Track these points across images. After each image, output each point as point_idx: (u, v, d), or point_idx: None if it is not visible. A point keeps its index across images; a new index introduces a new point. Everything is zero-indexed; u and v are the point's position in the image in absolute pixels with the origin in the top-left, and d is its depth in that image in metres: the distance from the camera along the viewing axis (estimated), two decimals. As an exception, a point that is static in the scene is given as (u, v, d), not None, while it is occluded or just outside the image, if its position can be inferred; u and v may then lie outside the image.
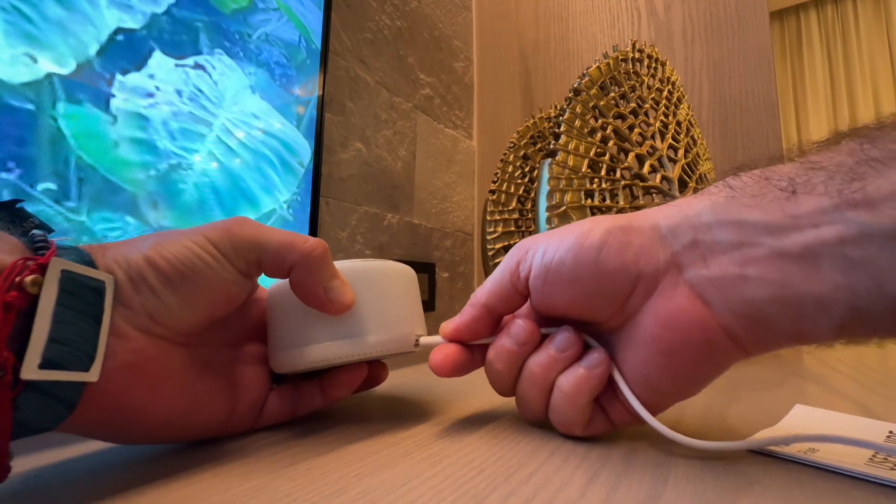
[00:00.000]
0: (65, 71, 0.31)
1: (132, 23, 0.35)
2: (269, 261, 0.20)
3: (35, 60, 0.29)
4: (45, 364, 0.14)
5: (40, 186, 0.29)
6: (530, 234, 0.64)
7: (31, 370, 0.14)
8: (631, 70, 0.50)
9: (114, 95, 0.33)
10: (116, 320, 0.17)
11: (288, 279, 0.21)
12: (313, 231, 0.51)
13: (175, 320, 0.18)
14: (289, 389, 0.24)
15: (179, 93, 0.37)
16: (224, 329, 0.22)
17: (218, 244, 0.19)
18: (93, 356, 0.15)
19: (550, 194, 0.43)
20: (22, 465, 0.19)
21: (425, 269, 0.81)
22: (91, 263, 0.17)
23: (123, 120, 0.34)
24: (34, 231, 0.16)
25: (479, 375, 0.37)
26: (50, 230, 0.21)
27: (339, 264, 0.22)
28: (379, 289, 0.23)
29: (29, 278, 0.14)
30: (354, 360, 0.23)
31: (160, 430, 0.19)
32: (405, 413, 0.26)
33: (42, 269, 0.15)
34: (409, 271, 0.25)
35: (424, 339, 0.24)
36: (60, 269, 0.15)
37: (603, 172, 0.45)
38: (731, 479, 0.17)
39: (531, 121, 0.68)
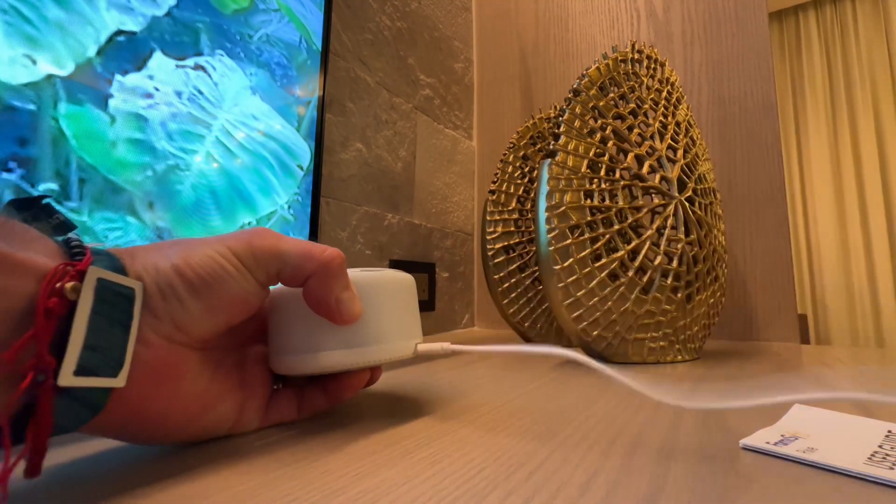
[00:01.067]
0: (63, 73, 0.31)
1: (133, 25, 0.35)
2: (288, 272, 0.21)
3: (34, 62, 0.29)
4: (79, 371, 0.14)
5: (42, 187, 0.29)
6: (530, 234, 0.64)
7: (67, 377, 0.14)
8: (630, 71, 0.50)
9: (112, 96, 0.33)
10: (143, 328, 0.17)
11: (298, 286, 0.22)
12: (314, 231, 0.51)
13: (197, 328, 0.18)
14: (293, 390, 0.25)
15: (179, 94, 0.37)
16: (233, 333, 0.22)
17: (241, 255, 0.19)
18: (121, 363, 0.16)
19: (550, 194, 0.44)
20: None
21: (425, 269, 0.81)
22: (122, 269, 0.17)
23: (122, 120, 0.34)
24: (70, 235, 0.17)
25: (479, 375, 0.37)
26: (73, 226, 0.21)
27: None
28: (385, 299, 0.23)
29: (69, 285, 0.15)
30: (359, 367, 0.23)
31: (174, 432, 0.20)
32: (405, 412, 0.26)
33: (80, 276, 0.15)
34: (409, 280, 0.26)
35: (422, 347, 0.25)
36: (97, 277, 0.15)
37: (602, 173, 0.45)
38: (731, 478, 0.17)
39: (531, 121, 0.68)
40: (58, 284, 0.14)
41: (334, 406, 0.26)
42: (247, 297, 0.20)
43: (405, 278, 0.25)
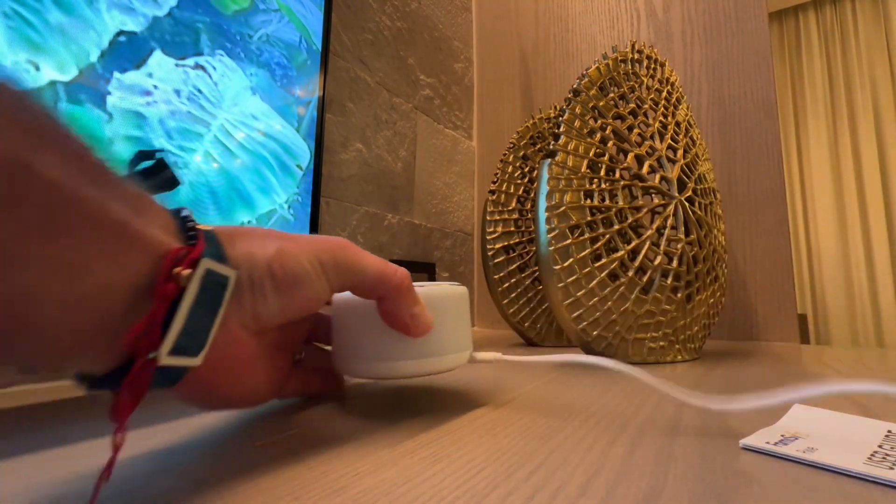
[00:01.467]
0: (66, 77, 0.31)
1: (133, 25, 0.35)
2: (362, 288, 0.23)
3: (38, 68, 0.29)
4: (173, 352, 0.16)
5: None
6: (530, 234, 0.64)
7: (163, 357, 0.15)
8: (630, 71, 0.50)
9: (111, 93, 0.33)
10: (228, 315, 0.18)
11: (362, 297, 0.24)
12: (314, 231, 0.51)
13: (269, 320, 0.20)
14: (300, 371, 0.27)
15: (178, 92, 0.37)
16: None
17: (325, 265, 0.21)
18: (203, 345, 0.17)
19: (550, 194, 0.44)
20: (25, 465, 0.19)
21: (425, 269, 0.81)
22: (223, 256, 0.18)
23: (120, 118, 0.34)
24: (184, 212, 0.18)
25: (479, 375, 0.37)
26: (178, 182, 0.24)
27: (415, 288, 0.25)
28: (448, 312, 0.25)
29: (185, 273, 0.16)
30: (426, 375, 0.25)
31: (223, 402, 0.21)
32: (405, 412, 0.26)
33: (193, 264, 0.16)
34: (465, 293, 0.27)
35: (478, 355, 0.27)
36: (206, 269, 0.16)
37: (602, 173, 0.45)
38: (730, 478, 0.17)
39: (531, 121, 0.68)
40: (175, 270, 0.15)
41: (329, 391, 0.30)
42: (319, 299, 0.22)
43: (462, 291, 0.27)
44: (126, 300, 0.15)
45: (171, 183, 0.22)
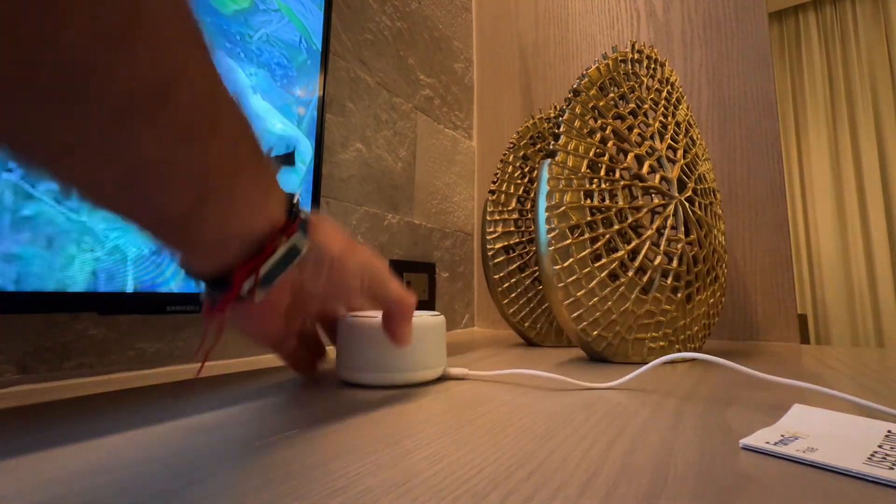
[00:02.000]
0: None
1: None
2: (383, 300, 0.30)
3: None
4: (250, 286, 0.24)
5: (42, 186, 0.29)
6: (530, 234, 0.64)
7: (245, 289, 0.24)
8: (630, 71, 0.50)
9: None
10: (287, 273, 0.25)
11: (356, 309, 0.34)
12: (313, 231, 0.51)
13: (310, 292, 0.27)
14: (299, 343, 0.34)
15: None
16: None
17: (365, 276, 0.29)
18: (268, 289, 0.25)
19: (550, 194, 0.44)
20: (25, 465, 0.19)
21: (425, 269, 0.81)
22: (306, 235, 0.25)
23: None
24: (295, 199, 0.26)
25: (479, 376, 0.37)
26: (293, 163, 0.35)
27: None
28: (427, 337, 0.34)
29: (283, 240, 0.24)
30: (408, 384, 0.33)
31: (248, 330, 0.29)
32: (405, 413, 0.26)
33: (289, 235, 0.24)
34: (442, 320, 0.36)
35: (449, 370, 0.36)
36: (294, 242, 0.25)
37: (602, 173, 0.46)
38: (730, 478, 0.17)
39: (531, 121, 0.68)
40: (277, 238, 0.24)
41: (306, 364, 0.36)
42: (352, 294, 0.29)
43: (439, 321, 0.35)
44: (245, 241, 0.23)
45: (291, 162, 0.33)
